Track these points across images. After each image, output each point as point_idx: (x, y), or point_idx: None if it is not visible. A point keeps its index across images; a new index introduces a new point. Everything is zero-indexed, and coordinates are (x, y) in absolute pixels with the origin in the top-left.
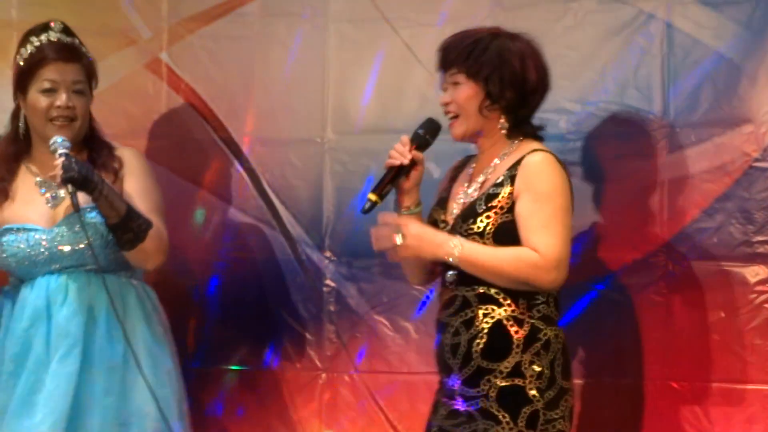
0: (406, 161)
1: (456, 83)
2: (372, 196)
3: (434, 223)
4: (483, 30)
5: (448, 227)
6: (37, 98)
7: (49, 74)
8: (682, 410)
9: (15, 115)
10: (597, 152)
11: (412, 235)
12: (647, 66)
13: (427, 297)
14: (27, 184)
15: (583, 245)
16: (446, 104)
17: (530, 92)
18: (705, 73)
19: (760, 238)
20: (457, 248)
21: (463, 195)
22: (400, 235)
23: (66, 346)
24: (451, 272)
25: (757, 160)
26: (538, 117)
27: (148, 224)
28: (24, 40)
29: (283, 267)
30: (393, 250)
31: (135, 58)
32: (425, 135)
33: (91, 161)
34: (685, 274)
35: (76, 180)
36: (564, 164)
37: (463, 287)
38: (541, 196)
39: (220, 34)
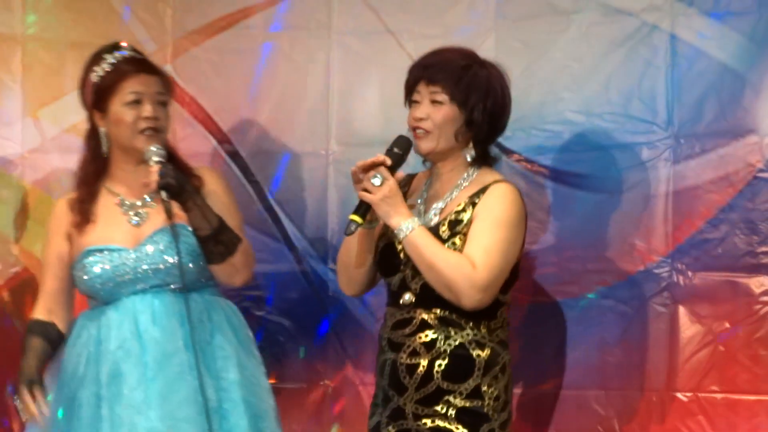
0: (376, 198)
1: (437, 101)
2: (356, 218)
3: (391, 245)
4: (466, 52)
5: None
6: (123, 111)
7: (133, 86)
8: (687, 421)
9: (91, 136)
10: (601, 163)
11: (389, 188)
12: (651, 77)
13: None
14: (108, 205)
15: (587, 257)
16: (421, 119)
17: (503, 125)
18: (709, 84)
19: (764, 248)
20: (410, 229)
21: (419, 219)
22: (380, 178)
23: (172, 362)
24: (408, 295)
25: (761, 170)
26: (543, 128)
27: (239, 238)
28: (95, 60)
29: (288, 279)
30: (365, 192)
31: None
32: (400, 153)
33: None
34: (689, 284)
35: (173, 186)
36: (524, 201)
37: (421, 309)
38: (494, 222)
39: (224, 47)
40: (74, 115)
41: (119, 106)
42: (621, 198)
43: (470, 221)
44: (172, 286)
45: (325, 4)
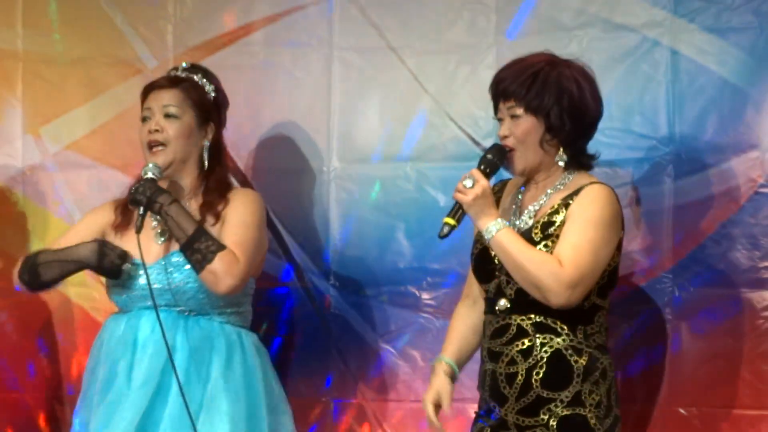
0: (468, 199)
1: (515, 116)
2: (450, 221)
3: (485, 251)
4: (539, 58)
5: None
6: (140, 129)
7: (147, 103)
8: None
9: None
10: (603, 179)
11: (481, 190)
12: (652, 92)
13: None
14: (149, 219)
15: None
16: (505, 137)
17: (589, 121)
18: (710, 99)
19: (766, 263)
20: (497, 230)
21: (513, 223)
22: (472, 180)
23: (141, 380)
24: (503, 301)
25: (762, 185)
26: None
27: (219, 247)
28: None
29: (290, 296)
30: (460, 194)
31: (140, 87)
32: (494, 159)
33: (203, 204)
34: (691, 300)
35: (140, 202)
36: (620, 204)
37: (516, 315)
38: (586, 221)
39: (225, 63)
40: (76, 132)
41: (140, 125)
42: (622, 213)
43: (563, 223)
44: (179, 308)
45: (326, 21)
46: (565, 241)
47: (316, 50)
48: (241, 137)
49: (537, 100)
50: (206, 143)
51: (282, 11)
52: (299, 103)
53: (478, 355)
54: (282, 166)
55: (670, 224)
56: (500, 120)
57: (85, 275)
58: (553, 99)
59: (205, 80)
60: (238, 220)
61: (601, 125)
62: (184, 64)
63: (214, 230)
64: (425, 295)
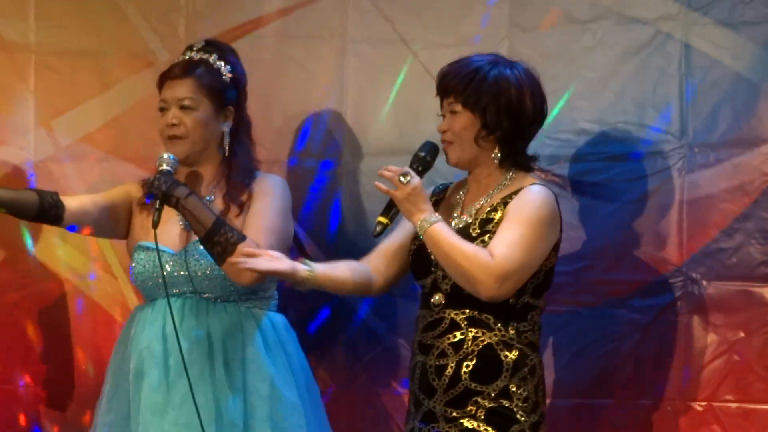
0: (400, 195)
1: (453, 111)
2: (383, 219)
3: (422, 248)
4: (483, 57)
5: None
6: (158, 119)
7: (162, 94)
8: (701, 430)
9: None
10: (615, 173)
11: (414, 186)
12: (665, 86)
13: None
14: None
15: (601, 266)
16: (443, 131)
17: (527, 123)
18: (723, 93)
19: None
20: (429, 224)
21: (455, 222)
22: (408, 177)
23: (195, 372)
24: (438, 296)
25: None
26: (557, 137)
27: (239, 238)
28: None
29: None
30: (392, 189)
31: (153, 80)
32: (427, 156)
33: (226, 193)
34: (704, 294)
35: (156, 195)
36: (557, 205)
37: (450, 309)
38: (521, 219)
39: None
40: (88, 124)
41: (158, 115)
42: (635, 207)
43: (501, 220)
44: (205, 295)
45: (338, 13)
46: (498, 236)
47: (328, 43)
48: (253, 130)
49: (474, 97)
50: (226, 128)
51: (295, 4)
52: (312, 96)
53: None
54: (293, 159)
55: (682, 218)
56: (443, 117)
57: (99, 268)
58: (490, 97)
59: (220, 62)
60: (261, 208)
61: (614, 119)
62: (199, 43)
63: (238, 221)
64: None
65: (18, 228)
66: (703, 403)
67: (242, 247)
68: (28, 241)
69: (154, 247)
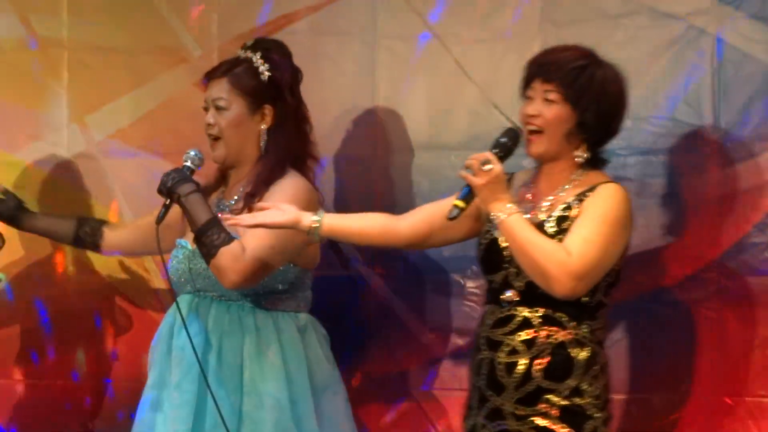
0: (480, 182)
1: (549, 99)
2: (459, 203)
3: (495, 242)
4: (584, 52)
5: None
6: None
7: (206, 93)
8: (735, 425)
9: None
10: (648, 168)
11: (495, 174)
12: (698, 81)
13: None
14: (212, 202)
15: (635, 261)
16: (532, 116)
17: (615, 129)
18: (756, 87)
19: None
20: (507, 215)
21: (526, 215)
22: (490, 165)
23: (181, 371)
24: (510, 292)
25: None
26: None
27: (224, 241)
28: None
29: (335, 284)
30: (472, 176)
31: (186, 76)
32: (509, 143)
33: (248, 191)
34: (737, 289)
35: (161, 191)
36: (631, 205)
37: (524, 307)
38: (598, 218)
39: None
40: (121, 120)
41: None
42: (668, 202)
43: (576, 217)
44: (214, 294)
45: (369, 9)
46: (575, 233)
47: (359, 38)
48: None
49: (578, 94)
50: (263, 127)
51: (326, 0)
52: (343, 92)
53: None
54: (326, 155)
55: (716, 213)
56: (528, 98)
57: (132, 263)
58: (594, 98)
59: (261, 60)
60: None
61: (646, 114)
62: (249, 42)
63: None
64: (469, 284)
65: None
66: (737, 398)
67: (225, 252)
68: None
69: (183, 244)
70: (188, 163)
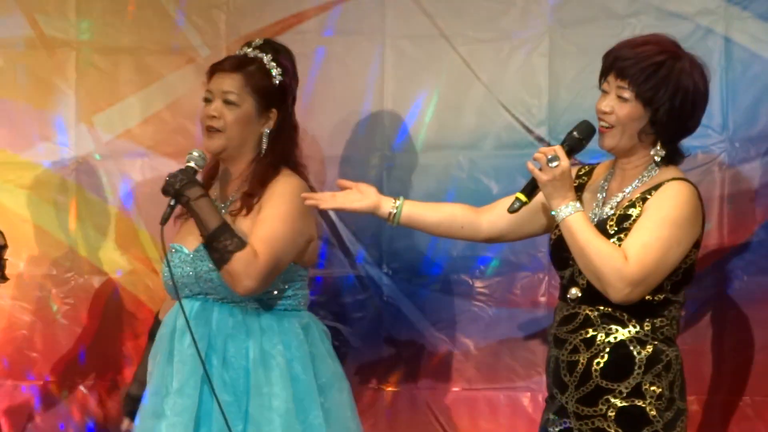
0: (545, 177)
1: (622, 97)
2: (522, 196)
3: (562, 237)
4: (664, 47)
5: None
6: (202, 108)
7: (209, 84)
8: (742, 425)
9: None
10: None
11: (561, 171)
12: None
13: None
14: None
15: None
16: (605, 113)
17: (693, 127)
18: (764, 87)
19: None
20: (568, 213)
21: (596, 211)
22: (556, 162)
23: (183, 376)
24: (574, 290)
25: None
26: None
27: (238, 246)
28: None
29: (343, 284)
30: (538, 171)
31: (194, 76)
32: (580, 137)
33: (246, 191)
34: (744, 288)
35: (168, 192)
36: (701, 202)
37: (586, 306)
38: (660, 219)
39: None
40: (128, 120)
41: (202, 104)
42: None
43: (638, 217)
44: (213, 296)
45: (378, 9)
46: (635, 236)
47: (368, 38)
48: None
49: (651, 92)
50: (266, 130)
51: (335, 0)
52: (352, 92)
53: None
54: (335, 155)
55: (723, 213)
56: (604, 92)
57: (140, 264)
58: (668, 96)
59: (273, 63)
60: (268, 215)
61: None
62: (257, 41)
63: (247, 221)
64: (478, 283)
65: (58, 225)
66: (745, 398)
67: (239, 257)
68: (70, 237)
69: (177, 248)
70: (192, 164)
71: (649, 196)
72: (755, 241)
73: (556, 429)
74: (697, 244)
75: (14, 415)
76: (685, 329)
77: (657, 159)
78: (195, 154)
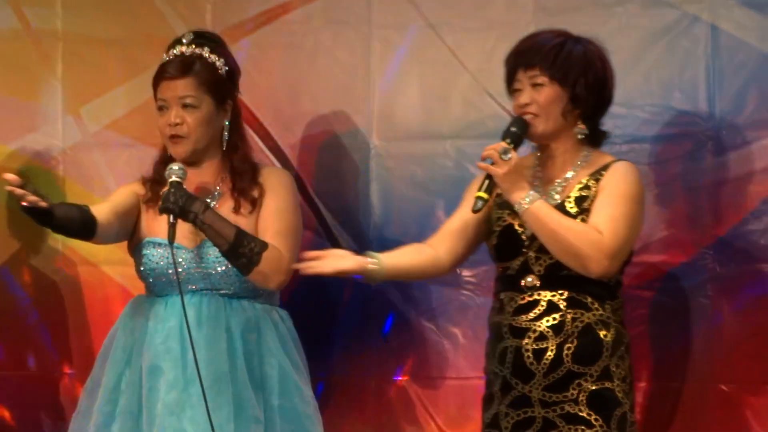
0: (501, 171)
1: (537, 84)
2: (483, 195)
3: (510, 228)
4: (560, 32)
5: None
6: (158, 119)
7: (160, 93)
8: (731, 412)
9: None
10: (642, 155)
11: (515, 160)
12: (692, 69)
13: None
14: None
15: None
16: (526, 104)
17: (608, 98)
18: (750, 74)
19: None
20: (531, 201)
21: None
22: (509, 155)
23: (213, 372)
24: (530, 278)
25: None
26: None
27: (262, 247)
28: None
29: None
30: (493, 167)
31: None
32: (519, 132)
33: (233, 188)
34: (732, 276)
35: (173, 211)
36: None
37: (546, 291)
38: (621, 195)
39: (265, 42)
40: (116, 111)
41: (157, 113)
42: (663, 190)
43: (595, 196)
44: (221, 292)
45: None
46: (601, 212)
47: (354, 28)
48: (280, 116)
49: (563, 70)
50: (226, 123)
51: None
52: (339, 82)
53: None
54: (322, 145)
55: (711, 200)
56: (517, 91)
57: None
58: (580, 70)
59: (214, 55)
60: (277, 208)
61: (641, 101)
62: (188, 36)
63: (251, 219)
64: (465, 272)
65: None
66: (732, 385)
67: (267, 256)
68: None
69: (167, 243)
70: (177, 179)
71: (600, 177)
72: (743, 229)
73: (512, 422)
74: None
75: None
76: (673, 318)
77: (580, 137)
78: (175, 167)
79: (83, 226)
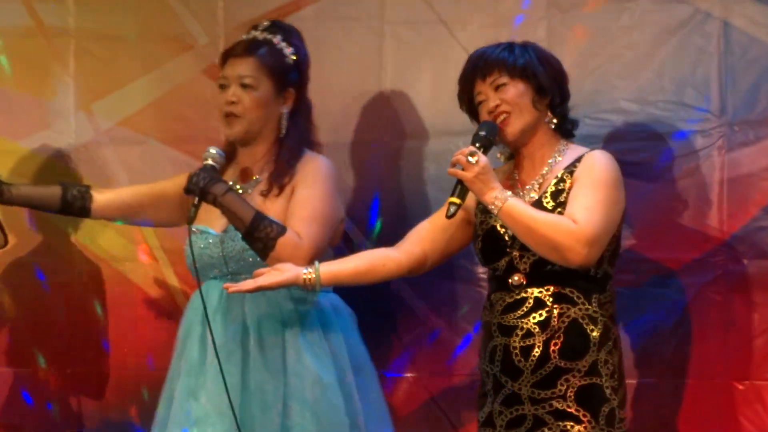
0: (470, 175)
1: (501, 84)
2: (456, 200)
3: (493, 230)
4: (500, 44)
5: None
6: (217, 95)
7: (224, 71)
8: (743, 409)
9: None
10: (655, 152)
11: (483, 165)
12: (704, 65)
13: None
14: None
15: (642, 245)
16: (496, 106)
17: (566, 84)
18: (763, 70)
19: None
20: (504, 200)
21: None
22: (476, 157)
23: (224, 354)
24: (517, 276)
25: None
26: (597, 117)
27: (279, 232)
28: None
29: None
30: (461, 171)
31: (192, 63)
32: (488, 135)
33: (272, 171)
34: (744, 272)
35: (193, 191)
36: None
37: (533, 288)
38: (595, 183)
39: None
40: (127, 108)
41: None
42: (675, 186)
43: (570, 188)
44: (242, 277)
45: None
46: (575, 202)
47: (366, 25)
48: None
49: (522, 66)
50: (285, 110)
51: None
52: (350, 78)
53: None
54: (333, 142)
55: (723, 197)
56: (480, 103)
57: (141, 252)
58: (537, 62)
59: (284, 43)
60: (305, 196)
61: (653, 98)
62: (264, 23)
63: (278, 203)
64: (479, 269)
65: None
66: (745, 382)
67: (283, 242)
68: (70, 225)
69: (202, 229)
70: (210, 161)
71: (574, 168)
72: (755, 225)
73: (505, 420)
74: (624, 212)
75: None
76: (685, 314)
77: (552, 126)
78: (213, 151)
79: (65, 203)
